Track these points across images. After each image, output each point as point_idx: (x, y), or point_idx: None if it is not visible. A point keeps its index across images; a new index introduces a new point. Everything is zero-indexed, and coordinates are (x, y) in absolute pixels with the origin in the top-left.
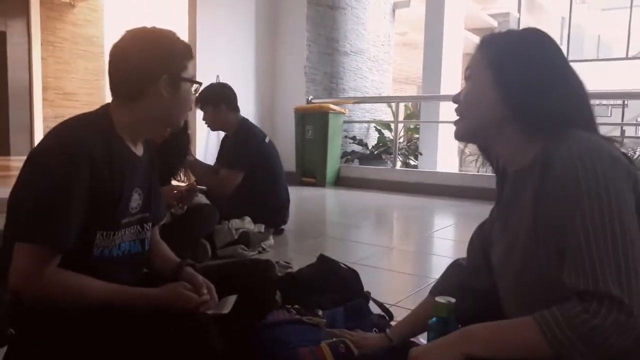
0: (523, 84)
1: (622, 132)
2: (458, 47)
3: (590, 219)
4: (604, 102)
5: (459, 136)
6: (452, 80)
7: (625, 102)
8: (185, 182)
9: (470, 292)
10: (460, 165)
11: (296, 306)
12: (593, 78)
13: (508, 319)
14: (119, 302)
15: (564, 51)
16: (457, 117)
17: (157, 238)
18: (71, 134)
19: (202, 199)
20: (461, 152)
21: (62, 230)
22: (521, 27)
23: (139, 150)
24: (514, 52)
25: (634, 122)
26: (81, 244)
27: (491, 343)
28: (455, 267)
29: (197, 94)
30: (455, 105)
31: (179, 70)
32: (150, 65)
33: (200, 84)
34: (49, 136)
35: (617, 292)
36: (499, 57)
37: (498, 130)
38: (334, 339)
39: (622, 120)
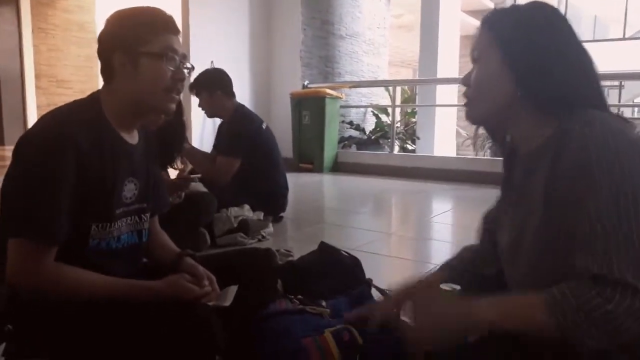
0: (534, 63)
1: (620, 113)
2: (454, 29)
3: (605, 202)
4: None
5: (472, 119)
6: (449, 63)
7: (622, 83)
8: (181, 170)
9: (477, 277)
10: (458, 148)
11: (299, 296)
12: None
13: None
14: (120, 295)
15: None
16: (467, 100)
17: (158, 228)
18: (55, 122)
19: (200, 187)
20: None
21: (51, 222)
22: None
23: (132, 138)
24: (523, 29)
25: (631, 103)
26: (76, 236)
27: (496, 323)
28: (466, 251)
29: (179, 71)
30: (464, 88)
31: (136, 44)
32: (107, 42)
33: (165, 56)
34: (34, 125)
35: (632, 279)
36: (508, 35)
37: (511, 112)
38: (338, 327)
39: (619, 101)
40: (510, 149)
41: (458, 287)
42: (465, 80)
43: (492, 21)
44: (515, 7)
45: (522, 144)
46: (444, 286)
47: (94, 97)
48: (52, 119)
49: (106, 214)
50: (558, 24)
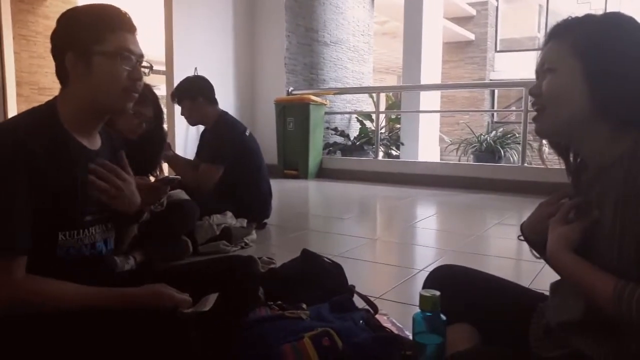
0: (616, 75)
1: None
2: (437, 36)
3: None
4: None
5: (543, 132)
6: (433, 70)
7: None
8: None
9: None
10: (441, 154)
11: (278, 302)
12: None
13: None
14: (98, 305)
15: (541, 39)
16: (537, 112)
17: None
18: (5, 131)
19: (182, 194)
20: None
21: (10, 232)
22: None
23: (93, 144)
24: (604, 40)
25: None
26: (43, 245)
27: (572, 275)
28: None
29: (136, 71)
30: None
31: (89, 43)
32: (59, 41)
33: (119, 56)
34: None
35: None
36: (590, 45)
37: (585, 125)
38: (318, 330)
39: None
40: (577, 163)
41: (438, 293)
42: (534, 90)
43: (567, 30)
44: (591, 17)
45: (593, 159)
46: (423, 292)
47: (50, 103)
48: (2, 128)
49: (72, 222)
50: (638, 35)
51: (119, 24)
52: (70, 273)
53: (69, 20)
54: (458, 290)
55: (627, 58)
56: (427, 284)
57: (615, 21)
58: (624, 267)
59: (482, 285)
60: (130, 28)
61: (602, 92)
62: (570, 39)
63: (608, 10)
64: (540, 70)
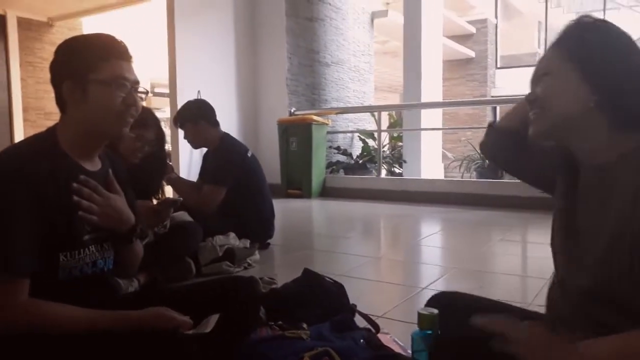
0: (613, 75)
1: None
2: (437, 54)
3: None
4: None
5: (540, 134)
6: (433, 88)
7: None
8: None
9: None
10: (445, 171)
11: (279, 322)
12: None
13: (625, 333)
14: (102, 327)
15: (541, 55)
16: (534, 114)
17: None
18: (5, 157)
19: (185, 216)
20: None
21: (11, 255)
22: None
23: (92, 165)
24: (598, 42)
25: None
26: (45, 267)
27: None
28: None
29: (130, 97)
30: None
31: (85, 72)
32: (57, 71)
33: (113, 84)
34: None
35: None
36: (583, 49)
37: (582, 124)
38: (318, 349)
39: None
40: (570, 162)
41: (436, 312)
42: (530, 96)
43: (562, 38)
44: (582, 24)
45: (591, 157)
46: (421, 311)
47: (51, 129)
48: (3, 154)
49: (72, 242)
50: (628, 37)
51: (113, 53)
52: (74, 294)
53: (66, 50)
54: (457, 319)
55: (621, 62)
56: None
57: (603, 27)
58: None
59: (477, 311)
60: (125, 56)
61: (599, 91)
62: (565, 46)
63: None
64: (535, 78)
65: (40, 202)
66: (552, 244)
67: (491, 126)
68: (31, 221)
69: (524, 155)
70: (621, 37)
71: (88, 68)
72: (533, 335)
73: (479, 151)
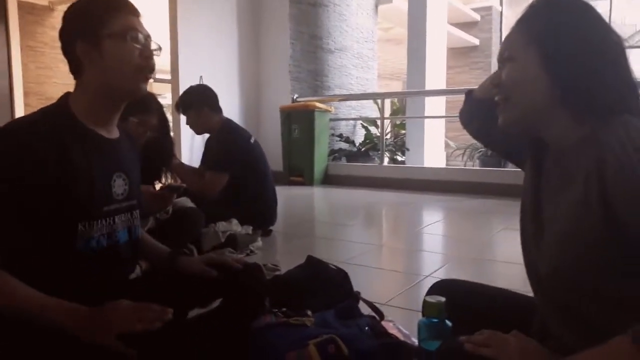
0: (574, 63)
1: None
2: (442, 41)
3: None
4: None
5: (508, 124)
6: (437, 75)
7: None
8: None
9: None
10: (447, 159)
11: (283, 309)
12: None
13: (596, 345)
14: (48, 316)
15: None
16: (500, 103)
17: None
18: (7, 131)
19: (187, 202)
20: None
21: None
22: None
23: (110, 134)
24: (561, 28)
25: None
26: (62, 236)
27: None
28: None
29: (146, 48)
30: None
31: (96, 28)
32: (67, 34)
33: (128, 35)
34: None
35: None
36: (545, 34)
37: (547, 113)
38: (324, 336)
39: None
40: (539, 148)
41: (443, 300)
42: (495, 80)
43: (527, 20)
44: (550, 6)
45: (554, 142)
46: (429, 298)
47: (61, 99)
48: (5, 128)
49: (91, 212)
50: (596, 22)
51: (121, 6)
52: (88, 267)
53: (74, 11)
54: (458, 306)
55: (586, 48)
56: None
57: (572, 7)
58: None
59: (484, 301)
60: (134, 10)
61: (560, 81)
62: (528, 29)
63: (613, 13)
64: (501, 59)
65: (49, 175)
66: (521, 233)
67: (469, 94)
68: (30, 198)
69: (495, 127)
70: (584, 18)
71: (98, 23)
72: (517, 347)
73: None
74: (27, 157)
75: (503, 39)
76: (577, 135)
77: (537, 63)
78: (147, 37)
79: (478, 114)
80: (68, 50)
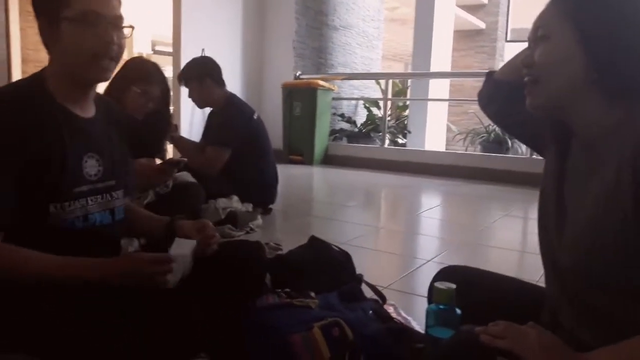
0: (611, 42)
1: None
2: (449, 23)
3: None
4: None
5: (538, 105)
6: (443, 58)
7: None
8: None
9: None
10: (448, 143)
11: (286, 290)
12: None
13: (618, 343)
14: (71, 274)
15: None
16: (530, 84)
17: (133, 205)
18: None
19: (187, 177)
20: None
21: None
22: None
23: (85, 112)
24: (598, 3)
25: None
26: (34, 217)
27: None
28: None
29: (105, 34)
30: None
31: (56, 9)
32: (33, 7)
33: (84, 20)
34: None
35: None
36: (581, 10)
37: (580, 96)
38: (328, 320)
39: None
40: (563, 133)
41: (453, 286)
42: (527, 60)
43: None
44: None
45: (583, 126)
46: (439, 284)
47: (37, 73)
48: None
49: (62, 193)
50: (635, 2)
51: None
52: (67, 248)
53: None
54: (466, 293)
55: (621, 28)
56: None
57: None
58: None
59: (489, 288)
60: None
61: (596, 61)
62: (565, 5)
63: None
64: (533, 38)
65: (23, 151)
66: (539, 220)
67: (490, 75)
68: (9, 171)
69: (515, 110)
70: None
71: (60, 4)
72: (536, 341)
73: (485, 124)
74: (2, 131)
75: (536, 17)
76: (609, 119)
77: (574, 41)
78: (114, 19)
79: (497, 96)
80: (37, 23)
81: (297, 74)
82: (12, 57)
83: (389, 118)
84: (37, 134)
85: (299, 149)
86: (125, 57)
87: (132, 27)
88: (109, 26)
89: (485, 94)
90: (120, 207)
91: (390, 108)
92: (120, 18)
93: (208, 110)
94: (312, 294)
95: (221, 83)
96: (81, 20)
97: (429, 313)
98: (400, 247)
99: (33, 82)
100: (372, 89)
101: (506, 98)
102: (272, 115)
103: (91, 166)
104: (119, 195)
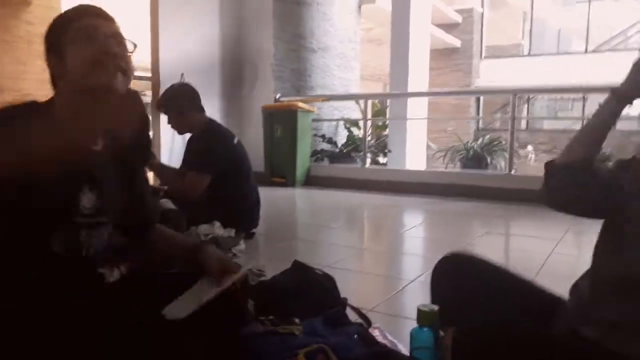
0: None
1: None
2: (425, 42)
3: None
4: (565, 96)
5: None
6: (420, 77)
7: (585, 96)
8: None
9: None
10: (428, 161)
11: (270, 317)
12: (554, 72)
13: None
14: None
15: (525, 46)
16: None
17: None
18: None
19: (168, 204)
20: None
21: None
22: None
23: (93, 143)
24: None
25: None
26: (33, 242)
27: None
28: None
29: (102, 46)
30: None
31: (59, 38)
32: (45, 53)
33: (79, 38)
34: None
35: None
36: None
37: None
38: (313, 346)
39: (583, 114)
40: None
41: (436, 308)
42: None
43: None
44: None
45: None
46: (421, 307)
47: (50, 100)
48: None
49: (48, 222)
50: None
51: (86, 13)
52: (51, 271)
53: (46, 30)
54: (465, 284)
55: None
56: (435, 277)
57: None
58: None
59: (492, 281)
60: (101, 14)
61: None
62: None
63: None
64: None
65: (28, 174)
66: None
67: (550, 164)
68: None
69: (587, 187)
70: None
71: (61, 33)
72: None
73: (463, 142)
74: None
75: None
76: None
77: None
78: (112, 36)
79: (567, 184)
80: (47, 65)
81: (277, 97)
82: None
83: (369, 138)
84: (33, 158)
85: (281, 171)
86: None
87: (135, 45)
88: (109, 39)
89: (560, 189)
90: (100, 242)
91: (370, 128)
92: (119, 35)
93: (188, 135)
94: (297, 320)
95: (200, 109)
96: (80, 35)
97: (413, 335)
98: (384, 268)
99: (44, 105)
100: (351, 109)
101: (578, 180)
102: (253, 138)
103: (88, 199)
104: (108, 229)
